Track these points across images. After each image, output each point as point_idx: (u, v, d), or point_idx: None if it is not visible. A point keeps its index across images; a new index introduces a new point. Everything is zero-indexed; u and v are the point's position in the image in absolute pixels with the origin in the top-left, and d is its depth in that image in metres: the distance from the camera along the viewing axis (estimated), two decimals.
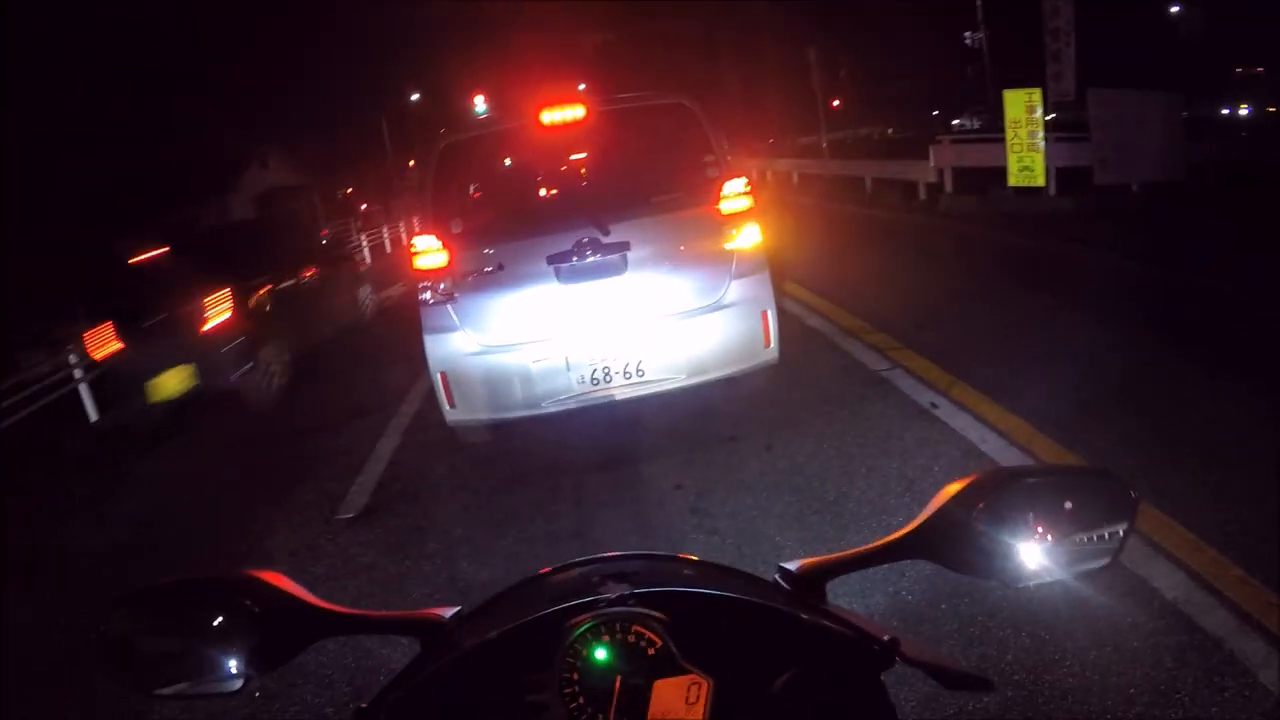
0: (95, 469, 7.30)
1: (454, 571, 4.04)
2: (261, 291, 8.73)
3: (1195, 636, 2.69)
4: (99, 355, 8.30)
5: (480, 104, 39.04)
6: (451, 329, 4.76)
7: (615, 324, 4.71)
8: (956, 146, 15.28)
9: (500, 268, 4.71)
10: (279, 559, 4.51)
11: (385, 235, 25.04)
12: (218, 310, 7.97)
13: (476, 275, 4.73)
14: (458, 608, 1.00)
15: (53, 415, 9.00)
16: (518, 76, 43.84)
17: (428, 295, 4.81)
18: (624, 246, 4.65)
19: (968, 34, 46.53)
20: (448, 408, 4.86)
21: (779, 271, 5.23)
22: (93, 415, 8.94)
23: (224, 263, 8.43)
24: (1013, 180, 13.44)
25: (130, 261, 9.19)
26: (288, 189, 34.41)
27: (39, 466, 7.71)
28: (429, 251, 4.77)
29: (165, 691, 0.90)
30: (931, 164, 15.20)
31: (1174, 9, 40.83)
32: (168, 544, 5.24)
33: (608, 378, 4.70)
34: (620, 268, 4.68)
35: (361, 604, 3.79)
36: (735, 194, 4.83)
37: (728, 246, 4.78)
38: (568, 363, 4.68)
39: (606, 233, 4.65)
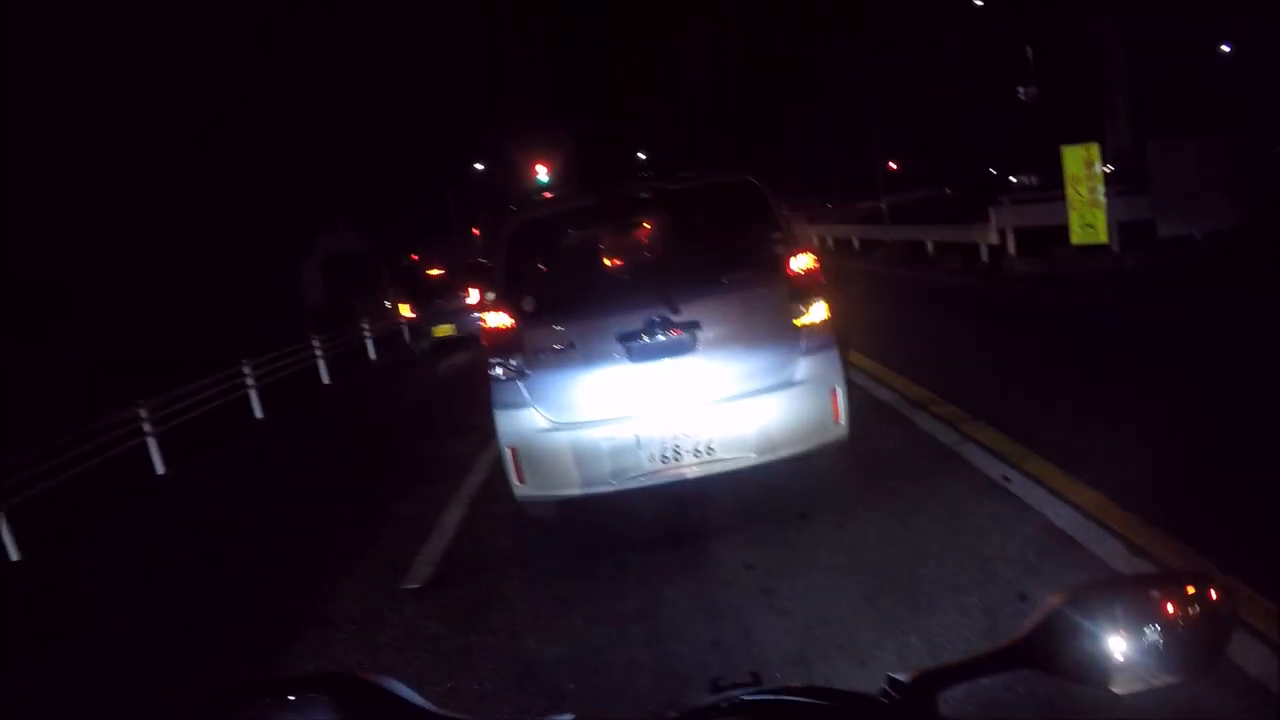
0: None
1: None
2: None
3: None
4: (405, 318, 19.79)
5: (542, 174, 39.55)
6: (522, 405, 4.79)
7: (685, 402, 4.73)
8: (1017, 207, 15.17)
9: (571, 345, 4.76)
10: None
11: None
12: (465, 297, 17.17)
13: (547, 352, 4.78)
14: (572, 715, 0.98)
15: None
16: (578, 146, 44.72)
17: (499, 371, 4.85)
18: (694, 325, 4.69)
19: (1020, 89, 46.46)
20: (516, 483, 4.87)
21: (843, 342, 5.24)
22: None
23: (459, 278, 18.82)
24: (1075, 238, 13.29)
25: (426, 273, 22.78)
26: (355, 254, 35.28)
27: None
28: (500, 328, 4.86)
29: None
30: (992, 225, 15.11)
31: (1224, 48, 40.06)
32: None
33: (678, 456, 4.69)
34: (690, 346, 4.70)
35: None
36: (802, 269, 4.87)
37: (796, 322, 4.80)
38: (638, 440, 4.67)
39: (676, 311, 4.68)
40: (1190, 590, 0.94)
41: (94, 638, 5.39)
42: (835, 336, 4.94)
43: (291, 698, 0.91)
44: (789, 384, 4.77)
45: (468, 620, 4.39)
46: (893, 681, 0.98)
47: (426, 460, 7.86)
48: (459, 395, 11.62)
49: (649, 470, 4.70)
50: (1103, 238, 12.92)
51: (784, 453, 4.79)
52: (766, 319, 4.85)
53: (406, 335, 19.71)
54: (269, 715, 0.89)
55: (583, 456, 4.73)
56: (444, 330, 17.32)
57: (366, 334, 18.60)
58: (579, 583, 4.63)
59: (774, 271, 4.90)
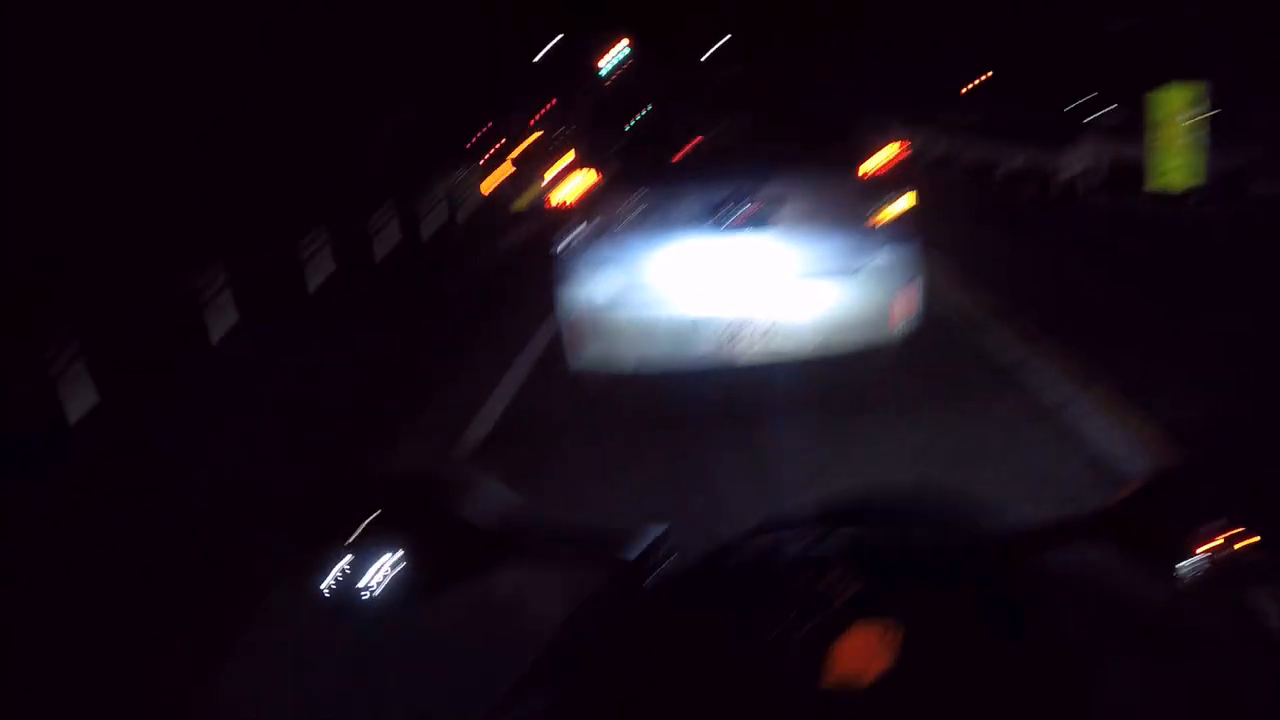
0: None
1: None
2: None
3: None
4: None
5: (622, 49, 38.18)
6: (588, 269, 4.74)
7: (755, 282, 4.63)
8: (1102, 139, 14.60)
9: (645, 213, 4.68)
10: None
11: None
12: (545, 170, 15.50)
13: (619, 219, 4.70)
14: (664, 525, 0.97)
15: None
16: (662, 26, 43.25)
17: (569, 239, 4.80)
18: (772, 204, 4.58)
19: (1114, 21, 44.27)
20: (576, 352, 4.87)
21: (923, 239, 5.12)
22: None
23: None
24: (1159, 181, 12.88)
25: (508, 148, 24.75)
26: (421, 130, 35.12)
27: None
28: (573, 193, 4.83)
29: (346, 585, 0.88)
30: (1075, 155, 14.60)
31: None
32: None
33: (742, 336, 4.62)
34: (766, 226, 4.59)
35: None
36: (888, 159, 4.74)
37: (879, 212, 4.68)
38: (703, 317, 4.63)
39: (756, 189, 4.57)
40: None
41: None
42: (916, 231, 4.80)
43: (396, 487, 0.95)
44: (863, 273, 4.65)
45: (523, 476, 4.49)
46: (978, 539, 0.97)
47: (486, 331, 8.03)
48: (520, 270, 11.72)
49: (711, 348, 4.65)
50: (1189, 182, 12.48)
51: (850, 342, 4.74)
52: (847, 205, 4.71)
53: (496, 199, 21.40)
54: (377, 501, 0.91)
55: (644, 328, 4.71)
56: (526, 201, 18.69)
57: (430, 208, 18.56)
58: (634, 450, 4.66)
59: (859, 159, 4.75)
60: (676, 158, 5.22)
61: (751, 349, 4.66)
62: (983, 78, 42.20)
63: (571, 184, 4.81)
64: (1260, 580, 0.85)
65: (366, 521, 0.90)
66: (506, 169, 20.58)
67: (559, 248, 4.86)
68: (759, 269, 4.63)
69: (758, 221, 4.57)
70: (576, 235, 4.76)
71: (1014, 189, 16.75)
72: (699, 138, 5.52)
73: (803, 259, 4.64)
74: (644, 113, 5.48)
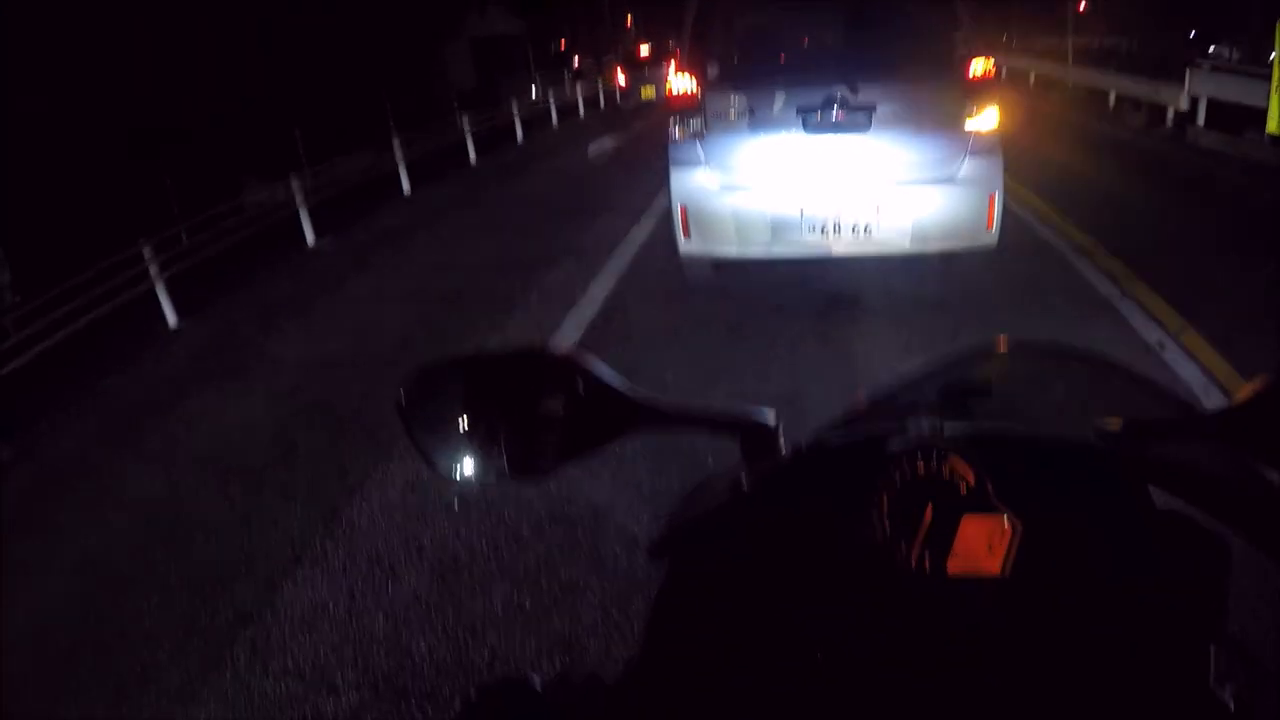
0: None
1: None
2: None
3: None
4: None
5: None
6: (697, 164, 5.18)
7: (851, 182, 5.01)
8: (1217, 75, 13.88)
9: (750, 112, 5.04)
10: None
11: (600, 89, 25.94)
12: (666, 69, 14.15)
13: (726, 117, 5.08)
14: (774, 409, 0.94)
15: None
16: None
17: (677, 132, 5.20)
18: (870, 107, 4.89)
19: None
20: (683, 239, 5.32)
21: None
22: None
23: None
24: (1272, 126, 12.30)
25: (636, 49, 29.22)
26: (504, 38, 34.90)
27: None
28: (684, 91, 5.16)
29: (465, 473, 0.87)
30: (1186, 90, 13.98)
31: None
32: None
33: (837, 232, 5.04)
34: (864, 127, 4.92)
35: None
36: (980, 73, 5.03)
37: (967, 124, 4.99)
38: (802, 212, 5.04)
39: (855, 92, 4.88)
40: None
41: None
42: (1000, 143, 5.08)
43: (489, 367, 0.94)
44: (951, 180, 5.00)
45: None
46: (1099, 431, 0.92)
47: (575, 235, 8.18)
48: (608, 176, 11.90)
49: (807, 242, 5.10)
50: None
51: (936, 246, 5.14)
52: (939, 114, 5.03)
53: (618, 98, 24.28)
54: (464, 386, 0.90)
55: (747, 220, 5.13)
56: (649, 92, 22.41)
57: (516, 116, 18.47)
58: (725, 353, 5.03)
59: (953, 70, 5.04)
60: (780, 60, 5.57)
61: (850, 244, 5.09)
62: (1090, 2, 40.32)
63: (684, 82, 5.16)
64: None
65: (475, 401, 0.89)
66: (632, 65, 24.46)
67: (671, 139, 5.25)
68: (855, 170, 5.01)
69: (856, 125, 4.92)
70: (688, 130, 5.16)
71: (1121, 117, 16.15)
72: (803, 41, 5.89)
73: (897, 163, 5.00)
74: (747, 18, 5.76)
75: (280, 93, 20.61)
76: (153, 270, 7.17)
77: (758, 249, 5.20)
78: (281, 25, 22.78)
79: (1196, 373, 4.56)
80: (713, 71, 5.22)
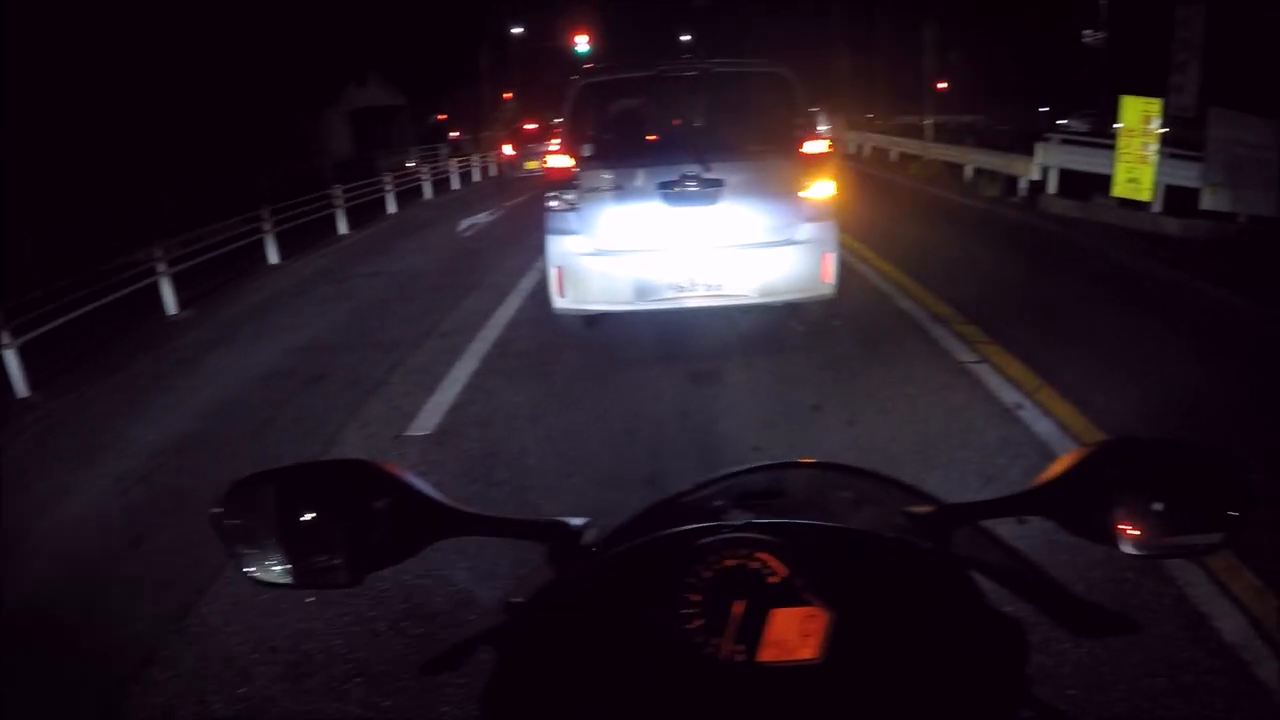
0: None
1: None
2: None
3: None
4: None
5: (583, 44, 38.86)
6: (571, 232, 5.80)
7: (704, 245, 5.72)
8: (1066, 147, 14.74)
9: (617, 187, 5.70)
10: None
11: (475, 164, 26.17)
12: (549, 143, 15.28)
13: (597, 191, 5.72)
14: (585, 519, 0.98)
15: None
16: (623, 23, 43.33)
17: (554, 203, 5.82)
18: (719, 182, 5.61)
19: (1087, 33, 44.72)
20: (558, 297, 5.90)
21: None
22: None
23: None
24: (1117, 190, 13.04)
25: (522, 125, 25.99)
26: (383, 109, 34.71)
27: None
28: (561, 167, 5.82)
29: (279, 580, 0.89)
30: (1037, 161, 14.76)
31: None
32: None
33: (692, 287, 5.74)
34: (714, 199, 5.63)
35: None
36: (816, 152, 5.84)
37: (803, 194, 5.74)
38: (662, 271, 5.72)
39: (706, 169, 5.60)
40: (1207, 461, 0.92)
41: None
42: (834, 210, 5.86)
43: (305, 479, 0.93)
44: (791, 242, 5.74)
45: (472, 473, 4.53)
46: (908, 515, 0.98)
47: (441, 315, 7.91)
48: (477, 253, 11.64)
49: (667, 297, 5.77)
50: (1146, 195, 12.64)
51: (779, 298, 5.92)
52: (780, 187, 5.76)
53: (504, 169, 25.47)
54: (288, 492, 0.90)
55: (614, 279, 5.77)
56: (534, 164, 21.61)
57: (388, 189, 18.25)
58: (586, 437, 4.88)
59: (792, 149, 5.81)
60: (644, 142, 6.30)
61: (705, 298, 5.79)
62: (948, 82, 42.76)
63: (561, 160, 5.84)
64: (1185, 553, 0.92)
65: (289, 511, 0.90)
66: (519, 139, 24.88)
67: (548, 210, 5.87)
68: (708, 235, 5.71)
69: (707, 197, 5.62)
70: (564, 201, 5.79)
71: (977, 189, 16.91)
72: (663, 125, 6.51)
73: (743, 228, 5.72)
74: (617, 106, 6.47)
75: (154, 157, 19.88)
76: (5, 338, 6.69)
77: (624, 305, 5.84)
78: (156, 90, 22.10)
79: (1053, 428, 4.64)
80: (587, 151, 5.87)
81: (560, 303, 5.92)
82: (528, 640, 0.87)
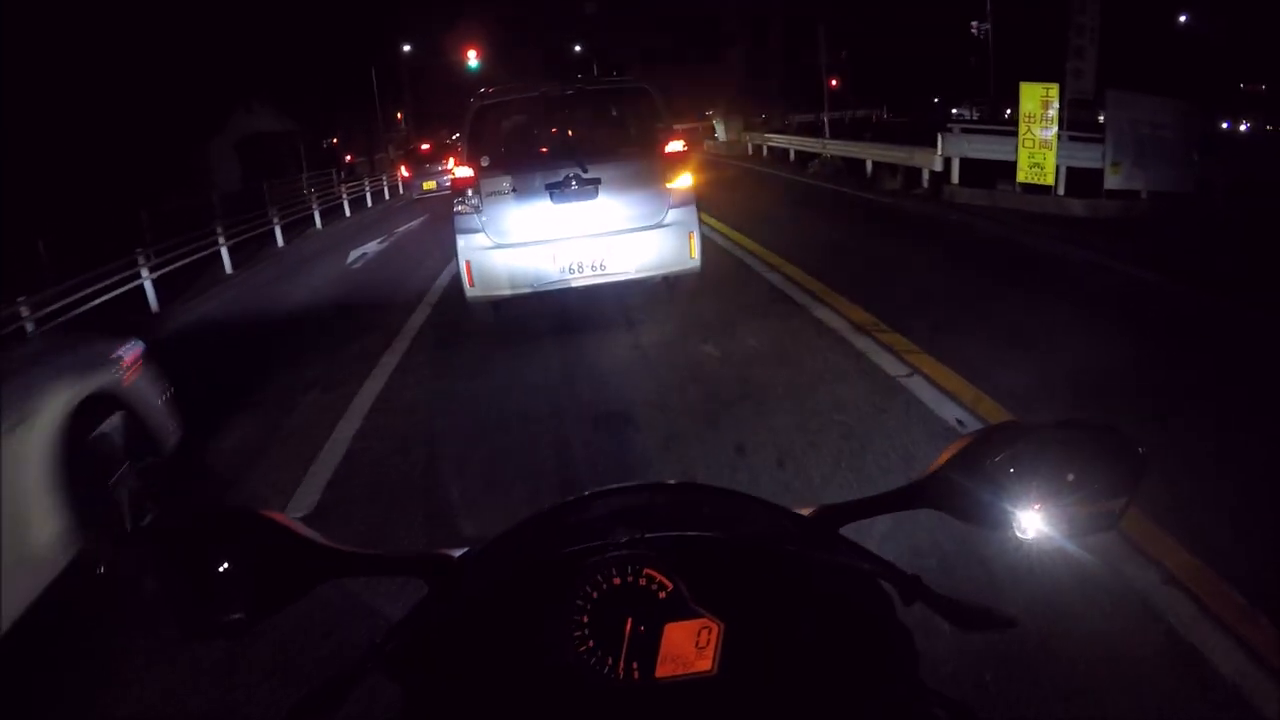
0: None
1: None
2: None
3: None
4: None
5: (473, 59, 38.67)
6: (476, 230, 6.65)
7: (588, 233, 6.62)
8: (966, 136, 14.69)
9: (512, 190, 6.57)
10: None
11: (367, 189, 25.61)
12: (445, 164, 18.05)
13: (496, 194, 6.56)
14: (465, 549, 0.99)
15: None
16: (511, 37, 43.08)
17: (461, 207, 6.65)
18: (596, 180, 6.56)
19: (974, 23, 45.89)
20: (469, 287, 6.74)
21: (698, 202, 6.97)
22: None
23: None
24: (1022, 176, 13.04)
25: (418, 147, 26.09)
26: (272, 135, 33.37)
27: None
28: (465, 176, 6.65)
29: (165, 628, 0.93)
30: (939, 152, 14.68)
31: (1182, 18, 40.60)
32: None
33: (581, 270, 6.66)
34: (593, 194, 6.57)
35: None
36: (675, 151, 6.82)
37: (667, 185, 6.71)
38: (554, 257, 6.62)
39: (585, 170, 6.54)
40: (1096, 439, 0.91)
41: None
42: (694, 197, 6.87)
43: (191, 531, 0.92)
44: (660, 225, 6.71)
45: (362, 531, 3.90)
46: (793, 516, 1.00)
47: (326, 364, 7.08)
48: (368, 287, 10.98)
49: (560, 279, 6.67)
50: (1049, 179, 12.68)
51: (654, 273, 6.88)
52: (647, 181, 6.70)
53: (400, 190, 26.35)
54: (170, 548, 0.91)
55: (515, 268, 6.65)
56: (430, 186, 22.49)
57: (275, 222, 17.21)
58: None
59: (655, 150, 6.80)
60: (532, 150, 7.12)
61: (591, 277, 6.69)
62: (840, 79, 43.44)
63: (465, 170, 6.65)
64: (1080, 533, 0.90)
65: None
66: (414, 160, 25.02)
67: (456, 213, 6.67)
68: (590, 225, 6.60)
69: (587, 194, 6.55)
70: (469, 205, 6.60)
71: (879, 183, 16.83)
72: (548, 136, 7.37)
73: (619, 217, 6.63)
74: (509, 122, 7.34)
75: (29, 200, 18.37)
76: None
77: (525, 289, 6.69)
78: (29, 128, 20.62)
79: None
80: (485, 161, 6.67)
81: (471, 292, 6.75)
82: (412, 674, 0.86)
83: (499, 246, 6.58)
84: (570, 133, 7.38)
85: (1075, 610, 2.73)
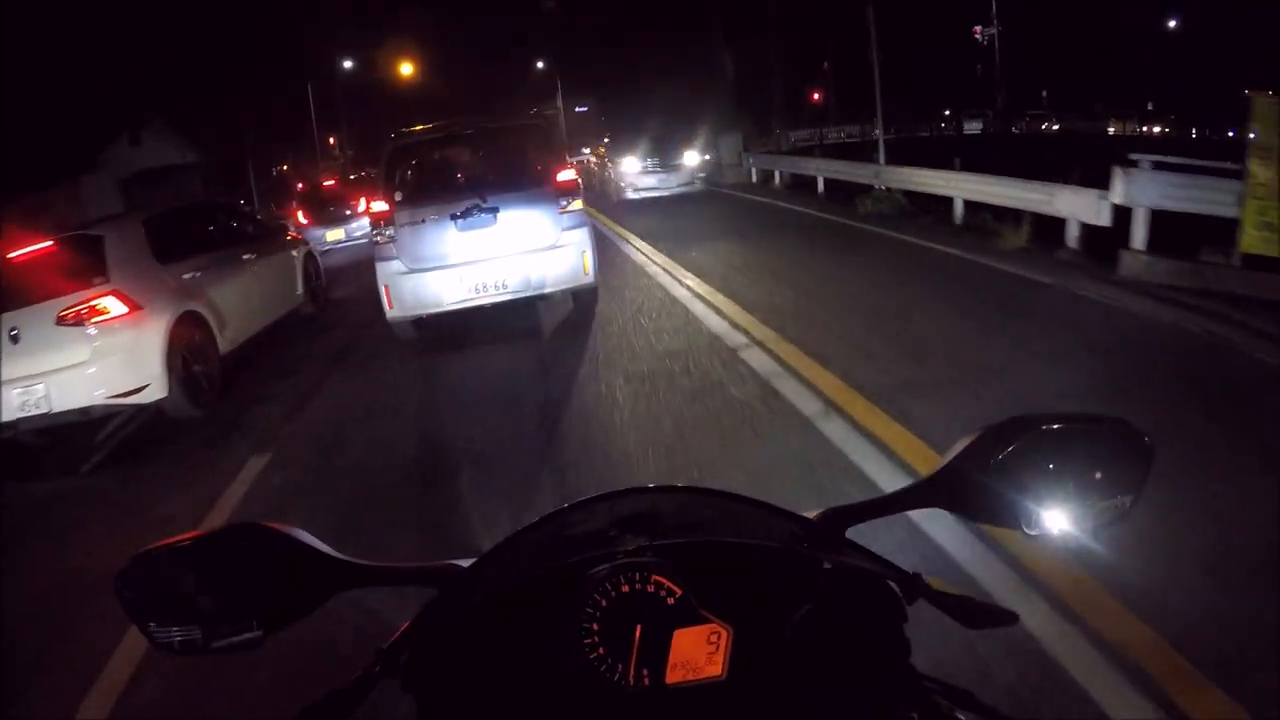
0: None
1: None
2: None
3: None
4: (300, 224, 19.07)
5: (407, 70, 35.80)
6: (392, 257, 7.83)
7: (490, 256, 7.82)
8: (1162, 175, 9.14)
9: (423, 221, 7.79)
10: None
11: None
12: (355, 205, 18.95)
13: (408, 225, 7.77)
14: (474, 559, 0.99)
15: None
16: (463, 41, 40.22)
17: (378, 237, 7.82)
18: (496, 209, 7.76)
19: (978, 29, 41.53)
20: (388, 308, 7.90)
21: (592, 222, 8.11)
22: None
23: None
24: (1246, 244, 8.06)
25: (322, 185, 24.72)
26: (167, 170, 27.75)
27: None
28: (381, 210, 7.79)
29: (179, 645, 0.87)
30: (1112, 198, 9.48)
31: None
32: None
33: (486, 289, 7.86)
34: (493, 221, 7.77)
35: None
36: (566, 179, 7.99)
37: (560, 210, 7.88)
38: (461, 279, 7.83)
39: (485, 200, 7.77)
40: (1104, 431, 0.88)
41: None
42: (587, 219, 8.10)
43: (201, 547, 0.89)
44: (555, 246, 7.91)
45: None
46: (799, 520, 1.00)
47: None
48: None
49: (467, 298, 7.88)
50: None
51: (552, 290, 8.05)
52: (542, 207, 7.88)
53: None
54: (178, 566, 0.88)
55: (428, 289, 7.85)
56: (335, 235, 18.84)
57: None
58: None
59: (548, 179, 7.98)
60: (439, 184, 8.59)
61: (496, 296, 7.89)
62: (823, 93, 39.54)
63: (381, 205, 7.79)
64: (1091, 525, 0.88)
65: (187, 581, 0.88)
66: (314, 202, 20.85)
67: (374, 242, 7.88)
68: (492, 248, 7.78)
69: (488, 221, 7.75)
70: (385, 235, 7.77)
71: (988, 237, 11.61)
72: (453, 171, 8.93)
73: (518, 240, 7.82)
74: (418, 158, 8.79)
75: None
76: None
77: (437, 308, 7.88)
78: None
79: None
80: (399, 195, 7.93)
81: (391, 314, 7.91)
82: (422, 682, 0.85)
83: (413, 271, 7.79)
84: (473, 167, 8.97)
85: None
